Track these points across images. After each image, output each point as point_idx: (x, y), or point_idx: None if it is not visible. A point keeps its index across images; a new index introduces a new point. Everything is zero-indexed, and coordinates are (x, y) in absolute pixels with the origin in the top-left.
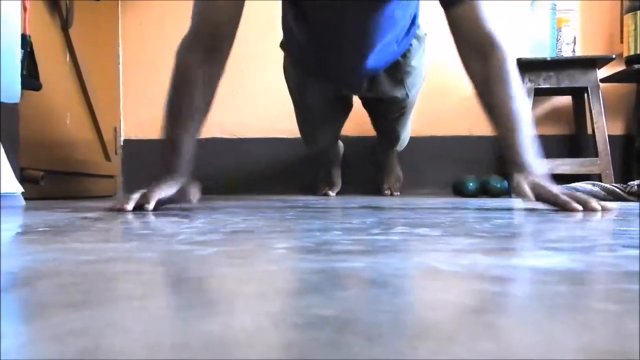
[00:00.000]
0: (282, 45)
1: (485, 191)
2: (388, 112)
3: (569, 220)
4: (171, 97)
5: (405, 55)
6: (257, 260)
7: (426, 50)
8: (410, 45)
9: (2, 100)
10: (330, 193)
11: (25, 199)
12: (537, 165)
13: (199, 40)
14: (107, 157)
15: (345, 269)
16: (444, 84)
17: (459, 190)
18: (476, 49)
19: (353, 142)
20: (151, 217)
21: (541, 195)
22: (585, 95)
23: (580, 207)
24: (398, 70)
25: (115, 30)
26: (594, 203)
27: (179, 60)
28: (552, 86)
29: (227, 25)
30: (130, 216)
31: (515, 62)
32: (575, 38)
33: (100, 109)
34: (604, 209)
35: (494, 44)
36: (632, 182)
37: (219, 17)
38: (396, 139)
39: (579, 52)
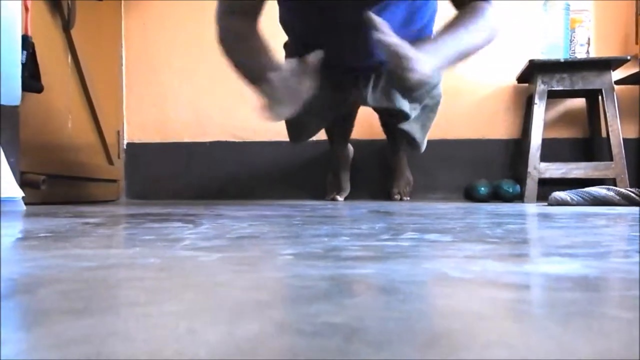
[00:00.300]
0: (286, 45)
1: (497, 196)
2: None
3: (582, 225)
4: (231, 49)
5: None
6: (263, 266)
7: None
8: None
9: (2, 102)
10: (339, 198)
11: (26, 203)
12: (430, 53)
13: (233, 10)
14: (110, 161)
15: (354, 275)
16: (456, 88)
17: (471, 195)
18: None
19: (362, 146)
20: (154, 224)
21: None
22: (600, 97)
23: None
24: None
25: (117, 31)
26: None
27: (222, 23)
28: (565, 88)
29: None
30: (133, 221)
31: (495, 22)
32: (589, 39)
33: (103, 112)
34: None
35: (484, 6)
36: None
37: None
38: (405, 137)
39: (593, 54)
